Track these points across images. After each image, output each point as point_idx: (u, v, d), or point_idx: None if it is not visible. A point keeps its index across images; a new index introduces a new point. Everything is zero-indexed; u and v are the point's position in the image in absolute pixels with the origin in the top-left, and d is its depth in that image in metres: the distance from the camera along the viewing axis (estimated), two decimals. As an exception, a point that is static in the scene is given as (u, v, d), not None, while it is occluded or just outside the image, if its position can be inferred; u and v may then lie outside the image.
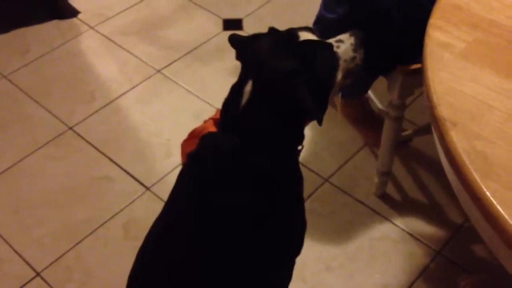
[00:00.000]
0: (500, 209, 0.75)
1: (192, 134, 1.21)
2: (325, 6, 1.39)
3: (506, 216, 0.74)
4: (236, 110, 0.99)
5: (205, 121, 1.22)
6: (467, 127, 0.84)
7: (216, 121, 1.13)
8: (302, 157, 1.07)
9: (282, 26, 1.07)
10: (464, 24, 0.99)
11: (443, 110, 0.87)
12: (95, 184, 1.75)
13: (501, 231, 0.75)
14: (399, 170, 1.77)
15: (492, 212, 0.76)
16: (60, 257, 1.57)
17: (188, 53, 2.16)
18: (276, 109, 0.97)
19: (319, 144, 1.83)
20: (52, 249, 1.59)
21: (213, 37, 2.21)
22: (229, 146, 0.99)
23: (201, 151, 1.04)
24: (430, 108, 0.89)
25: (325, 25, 1.38)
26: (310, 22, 1.44)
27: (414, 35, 1.10)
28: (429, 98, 0.90)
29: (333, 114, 1.77)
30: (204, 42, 2.20)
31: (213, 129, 1.11)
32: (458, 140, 0.83)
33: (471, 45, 0.96)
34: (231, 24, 2.27)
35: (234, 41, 1.07)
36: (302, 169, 1.04)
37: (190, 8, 2.35)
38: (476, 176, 0.79)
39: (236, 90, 1.01)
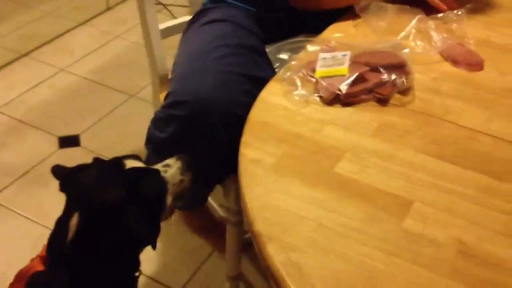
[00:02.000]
0: (317, 318, 0.78)
1: (18, 276, 1.12)
2: (154, 125, 1.41)
3: (324, 325, 0.77)
4: (62, 246, 0.96)
5: (32, 260, 1.15)
6: (281, 239, 0.89)
7: (43, 258, 1.07)
8: (151, 270, 1.06)
9: (119, 140, 1.08)
10: (272, 139, 1.07)
11: (259, 225, 0.91)
12: None
13: None
14: (249, 271, 1.79)
15: (311, 323, 0.79)
16: None
17: (22, 176, 2.07)
18: (105, 240, 0.96)
19: (168, 255, 1.81)
20: None
21: (48, 156, 2.15)
22: (59, 285, 0.94)
23: None
24: (248, 224, 0.93)
25: (156, 144, 1.40)
26: (145, 135, 1.45)
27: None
28: (245, 214, 0.94)
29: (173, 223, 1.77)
30: (39, 163, 2.12)
31: (40, 267, 1.05)
32: (274, 253, 0.86)
33: (280, 159, 1.03)
34: (67, 141, 2.22)
35: (57, 172, 1.06)
36: (153, 284, 1.02)
37: (21, 129, 2.28)
38: (293, 288, 0.82)
39: (61, 225, 0.98)
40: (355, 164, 1.01)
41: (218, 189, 1.61)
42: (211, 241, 1.80)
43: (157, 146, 1.39)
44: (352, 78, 1.14)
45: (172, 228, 1.79)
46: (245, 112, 1.17)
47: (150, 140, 1.43)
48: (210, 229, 1.78)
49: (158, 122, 1.40)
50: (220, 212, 1.71)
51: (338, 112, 1.13)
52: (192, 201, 1.60)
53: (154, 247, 1.00)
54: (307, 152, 1.04)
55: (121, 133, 2.25)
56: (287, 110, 1.13)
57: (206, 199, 1.68)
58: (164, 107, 1.38)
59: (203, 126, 1.30)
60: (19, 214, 1.92)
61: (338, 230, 0.90)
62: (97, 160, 1.06)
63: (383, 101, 1.16)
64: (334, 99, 1.15)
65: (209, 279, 1.75)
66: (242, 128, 1.11)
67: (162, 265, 1.78)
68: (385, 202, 0.95)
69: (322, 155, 1.03)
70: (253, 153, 1.04)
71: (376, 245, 0.87)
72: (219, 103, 1.29)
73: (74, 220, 0.95)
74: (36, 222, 1.89)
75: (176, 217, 1.75)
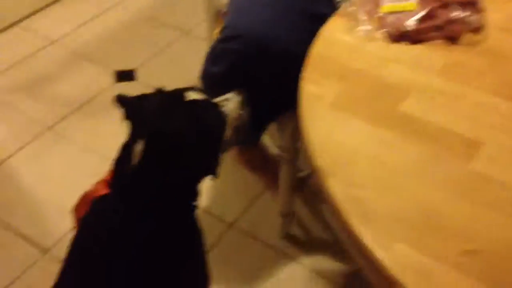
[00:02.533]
0: (377, 253, 0.79)
1: (84, 198, 1.17)
2: (209, 60, 1.41)
3: (384, 260, 0.78)
4: (127, 171, 0.99)
5: (97, 183, 1.20)
6: (343, 175, 0.89)
7: (107, 182, 1.11)
8: (205, 204, 1.08)
9: (174, 75, 1.09)
10: (334, 75, 1.05)
11: (320, 160, 0.91)
12: (-15, 253, 1.65)
13: (380, 273, 0.78)
14: (302, 210, 1.81)
15: (371, 256, 0.79)
16: None
17: (80, 107, 2.12)
18: (168, 168, 0.98)
19: (222, 189, 1.84)
20: None
21: (105, 89, 2.19)
22: (122, 209, 0.98)
23: (93, 216, 1.02)
24: (308, 158, 0.93)
25: (210, 79, 1.40)
26: (199, 71, 1.46)
27: (296, 84, 1.15)
28: (307, 149, 0.94)
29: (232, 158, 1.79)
30: (96, 95, 2.16)
31: (105, 191, 1.09)
32: (335, 188, 0.87)
33: (342, 95, 1.01)
34: (123, 75, 2.25)
35: (121, 101, 1.07)
36: (206, 215, 1.04)
37: (80, 62, 2.32)
38: (353, 222, 0.82)
39: (126, 150, 1.00)
40: (420, 103, 0.99)
41: (273, 127, 1.61)
42: (264, 178, 1.82)
43: (212, 81, 1.39)
44: (421, 14, 1.09)
45: (228, 163, 1.82)
46: (300, 48, 1.15)
47: (205, 75, 1.43)
48: (264, 166, 1.79)
49: (212, 56, 1.40)
50: (274, 149, 1.71)
51: (404, 49, 1.10)
52: (248, 138, 1.61)
53: (214, 177, 1.02)
54: (370, 89, 1.02)
55: (175, 68, 2.25)
56: (350, 46, 1.11)
57: (260, 136, 1.68)
58: (219, 41, 1.37)
59: (258, 61, 1.29)
60: (77, 143, 1.98)
61: (400, 168, 0.89)
62: (159, 90, 1.07)
63: (452, 39, 1.11)
64: (400, 36, 1.11)
65: (262, 214, 1.78)
66: (298, 64, 1.09)
67: (216, 199, 1.81)
68: (450, 142, 0.92)
69: (386, 92, 1.01)
70: (315, 88, 1.02)
71: (439, 185, 0.86)
72: (274, 38, 1.27)
73: (138, 146, 0.98)
74: (93, 151, 1.94)
75: (232, 153, 1.78)
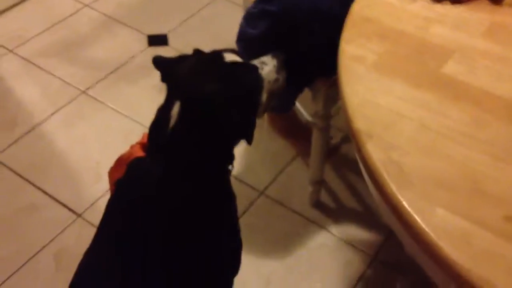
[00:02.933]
0: (416, 217, 0.77)
1: (119, 161, 1.17)
2: (246, 22, 1.39)
3: (422, 224, 0.76)
4: (164, 134, 0.98)
5: (132, 146, 1.19)
6: (382, 138, 0.86)
7: (143, 145, 1.11)
8: (236, 171, 1.07)
9: (206, 40, 1.08)
10: (375, 36, 1.02)
11: (359, 123, 0.88)
12: (21, 214, 1.68)
13: (418, 238, 0.77)
14: (331, 178, 1.79)
15: (409, 220, 0.77)
16: (-13, 295, 1.50)
17: (113, 71, 2.12)
18: (204, 131, 0.97)
19: (252, 157, 1.83)
20: (-22, 288, 1.52)
21: (138, 54, 2.18)
22: (158, 172, 0.98)
23: (129, 178, 1.02)
24: (347, 122, 0.91)
25: (247, 41, 1.38)
26: (233, 36, 1.44)
27: (334, 48, 1.12)
28: (345, 111, 0.92)
29: (262, 126, 1.78)
30: (129, 60, 2.16)
31: (140, 154, 1.08)
32: (374, 151, 0.85)
33: (383, 56, 0.98)
34: (156, 40, 2.24)
35: (158, 63, 1.06)
36: (236, 183, 1.03)
37: (112, 26, 2.31)
38: (392, 186, 0.80)
39: (162, 113, 0.99)
40: (463, 65, 0.95)
41: (305, 93, 1.59)
42: (296, 145, 1.80)
43: (249, 43, 1.37)
44: (466, -27, 1.05)
45: (260, 130, 1.81)
46: (339, 10, 1.12)
47: (242, 37, 1.40)
48: (296, 132, 1.78)
49: (250, 18, 1.38)
50: (306, 116, 1.69)
51: (446, 10, 1.06)
52: (282, 103, 1.59)
53: (250, 142, 1.01)
54: (411, 50, 0.99)
55: (209, 33, 2.23)
56: (392, 6, 1.07)
57: (294, 102, 1.66)
58: (257, 2, 1.35)
59: (295, 21, 1.27)
60: (110, 107, 1.99)
61: (441, 132, 0.86)
62: (197, 52, 1.06)
63: (497, 0, 1.06)
64: (444, -4, 1.07)
65: (292, 182, 1.77)
66: (335, 27, 1.06)
67: (247, 165, 1.81)
68: (494, 105, 0.89)
69: (428, 54, 0.98)
70: (355, 49, 0.99)
71: (482, 149, 0.83)
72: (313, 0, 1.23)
73: (175, 109, 0.97)
74: (125, 115, 1.95)
75: (264, 119, 1.77)
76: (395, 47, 1.00)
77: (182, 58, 1.04)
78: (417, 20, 1.04)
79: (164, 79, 1.04)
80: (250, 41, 1.37)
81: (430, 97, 0.91)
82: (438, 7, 1.06)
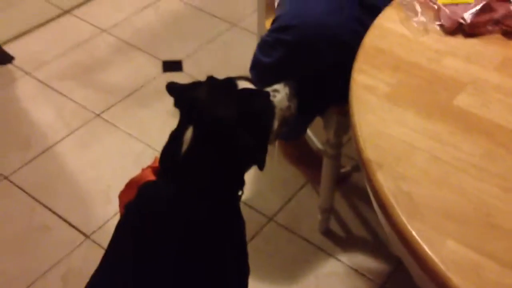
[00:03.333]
0: (425, 248, 0.76)
1: (130, 184, 1.17)
2: (260, 50, 1.40)
3: (432, 255, 0.76)
4: (176, 158, 0.99)
5: (143, 170, 1.20)
6: (392, 168, 0.86)
7: (154, 169, 1.11)
8: (245, 196, 1.07)
9: (221, 67, 1.09)
10: (387, 67, 1.02)
11: (370, 153, 0.89)
12: (31, 234, 1.69)
13: (427, 269, 0.76)
14: (341, 206, 1.79)
15: (418, 251, 0.77)
16: (-6, 315, 1.50)
17: (127, 96, 2.15)
18: (217, 156, 0.98)
19: (262, 183, 1.84)
20: (-15, 307, 1.52)
21: (152, 79, 2.21)
22: (169, 196, 0.98)
23: (140, 201, 1.02)
24: (357, 151, 0.91)
25: (261, 69, 1.39)
26: (248, 63, 1.45)
27: (345, 77, 1.13)
28: (356, 141, 0.92)
29: (272, 153, 1.78)
30: (144, 85, 2.19)
31: (151, 178, 1.09)
32: (384, 181, 0.85)
33: (395, 87, 0.99)
34: (171, 65, 2.27)
35: (172, 89, 1.07)
36: (246, 208, 1.03)
37: (128, 51, 2.35)
38: (402, 216, 0.80)
39: (175, 138, 1.00)
40: (476, 97, 0.96)
41: (316, 121, 1.60)
42: (306, 173, 1.80)
43: (262, 71, 1.38)
44: (479, 7, 1.06)
45: (274, 156, 1.82)
46: (353, 40, 1.13)
47: (256, 65, 1.42)
48: (307, 160, 1.78)
49: (264, 46, 1.39)
50: (317, 144, 1.70)
51: (459, 42, 1.07)
52: (293, 131, 1.60)
53: (261, 167, 1.02)
54: (424, 82, 0.99)
55: (222, 60, 2.26)
56: (404, 38, 1.08)
57: (306, 130, 1.67)
58: (272, 31, 1.36)
59: (310, 52, 1.28)
60: (123, 131, 2.01)
61: (453, 164, 0.86)
62: (210, 78, 1.07)
63: (510, 34, 1.07)
64: (457, 29, 1.08)
65: (301, 209, 1.77)
66: (348, 56, 1.07)
67: (256, 191, 1.81)
68: (506, 139, 0.89)
69: (440, 86, 0.98)
70: (367, 79, 1.00)
71: (494, 182, 0.83)
72: (328, 28, 1.25)
73: (188, 133, 0.98)
74: (138, 139, 1.97)
75: (274, 146, 1.77)
76: (408, 78, 1.00)
77: (195, 84, 1.06)
78: (430, 52, 1.05)
79: (177, 104, 1.06)
80: (263, 69, 1.38)
81: (442, 128, 0.91)
82: (451, 39, 1.07)
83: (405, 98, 0.97)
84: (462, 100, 0.95)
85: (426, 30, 1.09)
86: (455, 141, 0.89)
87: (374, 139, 0.91)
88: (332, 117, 1.43)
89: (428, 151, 0.88)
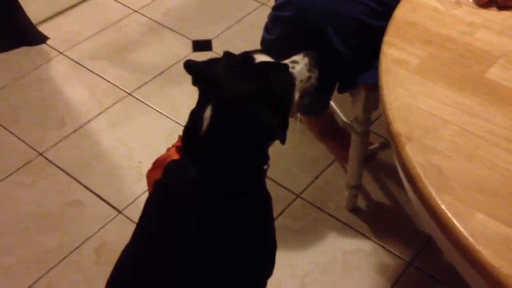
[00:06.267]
0: (455, 221, 0.76)
1: (156, 163, 1.19)
2: (265, 28, 1.45)
3: (461, 229, 0.75)
4: (197, 136, 0.99)
5: (168, 149, 1.22)
6: (422, 141, 0.86)
7: (178, 148, 1.12)
8: (273, 173, 1.08)
9: (250, 46, 1.09)
10: (418, 40, 1.01)
11: (399, 126, 0.88)
12: (66, 209, 1.74)
13: (457, 243, 0.76)
14: (369, 183, 1.78)
15: (448, 225, 0.77)
16: (31, 285, 1.55)
17: (158, 75, 2.17)
18: (237, 132, 0.97)
19: (290, 160, 1.84)
20: (23, 277, 1.57)
21: (183, 58, 2.22)
22: (193, 174, 0.98)
23: (166, 180, 1.03)
24: (386, 124, 0.91)
25: (266, 46, 1.43)
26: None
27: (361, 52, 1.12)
28: (384, 114, 0.92)
29: (299, 129, 1.79)
30: (174, 64, 2.21)
31: (176, 156, 1.10)
32: (413, 154, 0.84)
33: (425, 60, 0.98)
34: (201, 45, 2.28)
35: (189, 66, 1.07)
36: (274, 185, 1.03)
37: (159, 31, 2.37)
38: (431, 190, 0.80)
39: (195, 116, 1.00)
40: (508, 70, 0.94)
41: (344, 98, 1.59)
42: (333, 148, 1.79)
43: (268, 48, 1.39)
44: (513, -22, 1.03)
45: (297, 134, 1.82)
46: (360, 12, 1.11)
47: (261, 44, 1.47)
48: (334, 135, 1.77)
49: (267, 24, 1.43)
50: (344, 119, 1.68)
51: (492, 15, 1.04)
52: (315, 104, 1.59)
53: (283, 141, 1.01)
54: (455, 55, 0.98)
55: (251, 39, 2.25)
56: (436, 11, 1.06)
57: (328, 103, 1.66)
58: (272, 9, 1.41)
59: (306, 26, 1.30)
60: (155, 109, 2.04)
61: (484, 137, 0.85)
62: (227, 54, 1.06)
63: (546, 7, 1.05)
64: (489, 1, 1.06)
65: (329, 186, 1.77)
66: (355, 30, 1.05)
67: (284, 169, 1.82)
68: (539, 112, 0.87)
69: (472, 59, 0.97)
70: (397, 53, 0.99)
71: (526, 155, 0.82)
72: (321, 6, 1.27)
73: (207, 112, 0.97)
74: (168, 117, 1.99)
75: (301, 123, 1.77)
76: (439, 51, 0.99)
77: (212, 61, 1.05)
78: (462, 25, 1.03)
79: (195, 82, 1.06)
80: (268, 46, 1.42)
81: (473, 101, 0.90)
82: (484, 12, 1.05)
83: (436, 72, 0.96)
84: (494, 73, 0.94)
85: (458, 3, 1.07)
86: (486, 114, 0.88)
87: (403, 112, 0.90)
88: (360, 93, 1.42)
89: (458, 124, 0.87)
